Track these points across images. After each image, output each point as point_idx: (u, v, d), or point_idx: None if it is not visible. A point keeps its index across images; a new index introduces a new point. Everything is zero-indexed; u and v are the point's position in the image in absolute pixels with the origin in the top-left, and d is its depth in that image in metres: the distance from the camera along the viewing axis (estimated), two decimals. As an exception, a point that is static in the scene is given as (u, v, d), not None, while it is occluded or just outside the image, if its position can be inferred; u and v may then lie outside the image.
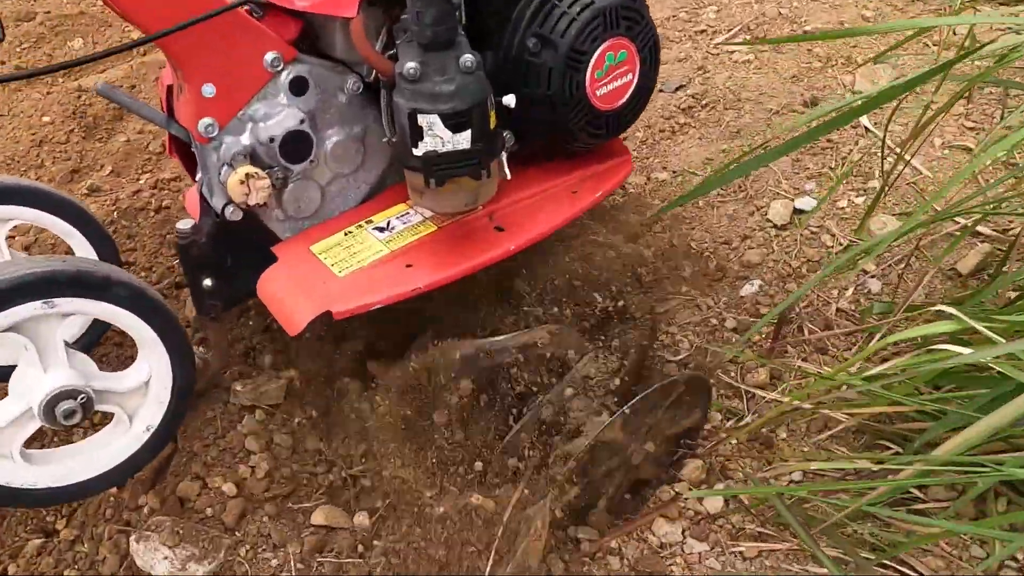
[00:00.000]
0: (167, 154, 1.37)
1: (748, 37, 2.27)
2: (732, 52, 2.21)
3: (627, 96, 1.31)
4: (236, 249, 1.27)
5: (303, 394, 1.39)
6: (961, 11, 2.23)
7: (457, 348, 1.25)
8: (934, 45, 2.13)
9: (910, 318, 1.40)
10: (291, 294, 1.20)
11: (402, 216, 1.31)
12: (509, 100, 1.18)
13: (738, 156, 1.81)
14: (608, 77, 1.27)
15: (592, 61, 1.24)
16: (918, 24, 1.29)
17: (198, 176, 1.27)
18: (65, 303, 1.04)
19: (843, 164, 1.83)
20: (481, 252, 1.24)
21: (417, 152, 1.11)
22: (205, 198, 1.26)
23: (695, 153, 1.92)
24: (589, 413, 1.26)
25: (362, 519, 1.26)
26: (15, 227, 1.36)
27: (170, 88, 1.23)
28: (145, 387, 1.16)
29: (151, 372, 1.15)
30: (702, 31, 2.30)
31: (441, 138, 1.09)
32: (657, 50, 1.32)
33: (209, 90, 1.14)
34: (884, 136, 1.59)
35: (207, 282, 1.26)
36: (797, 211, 1.74)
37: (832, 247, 1.65)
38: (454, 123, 1.08)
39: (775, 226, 1.71)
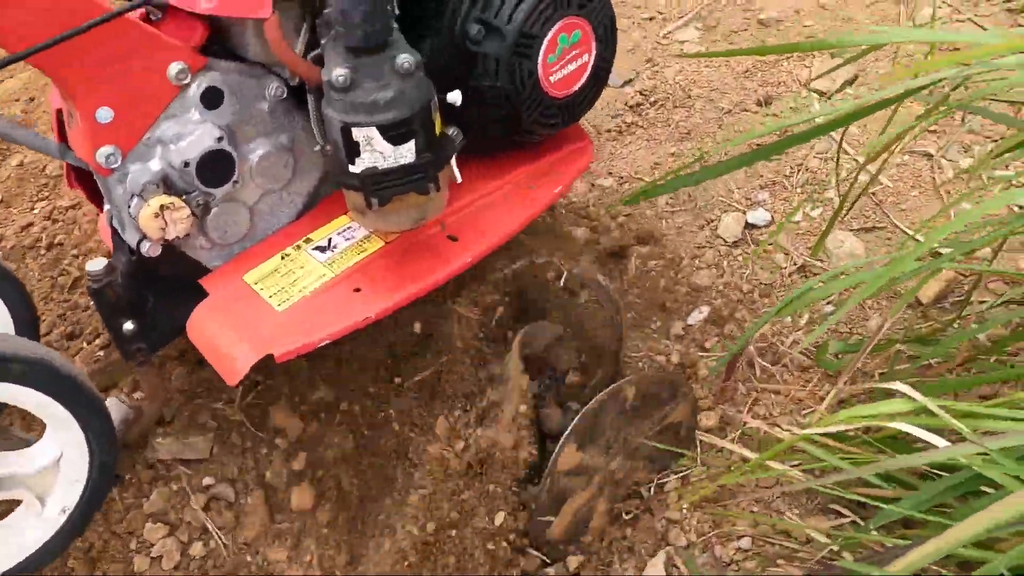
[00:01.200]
0: (67, 186, 1.20)
1: (700, 26, 2.12)
2: (683, 42, 2.08)
3: (583, 79, 1.19)
4: (158, 286, 1.12)
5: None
6: None
7: None
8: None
9: (866, 365, 1.33)
10: (226, 337, 1.06)
11: (344, 231, 1.17)
12: (454, 97, 1.04)
13: (689, 162, 1.70)
14: (562, 61, 1.14)
15: (544, 46, 1.10)
16: (873, 40, 1.17)
17: (106, 208, 1.11)
18: None
19: (799, 171, 1.71)
20: (435, 268, 1.12)
21: (355, 169, 0.97)
22: (117, 232, 1.10)
23: (642, 157, 1.79)
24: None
25: None
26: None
27: (60, 112, 1.06)
28: (56, 465, 1.01)
29: (61, 449, 1.01)
30: (652, 18, 2.16)
31: (381, 153, 0.95)
32: (614, 26, 1.19)
33: (105, 114, 0.98)
34: (838, 155, 1.49)
35: (128, 326, 1.11)
36: (749, 225, 1.63)
37: (786, 268, 1.54)
38: (395, 135, 0.94)
39: (726, 243, 1.60)
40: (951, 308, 1.40)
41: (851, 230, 1.59)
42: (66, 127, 1.05)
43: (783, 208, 1.65)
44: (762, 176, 1.71)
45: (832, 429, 0.91)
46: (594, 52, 1.18)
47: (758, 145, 1.46)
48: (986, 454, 0.79)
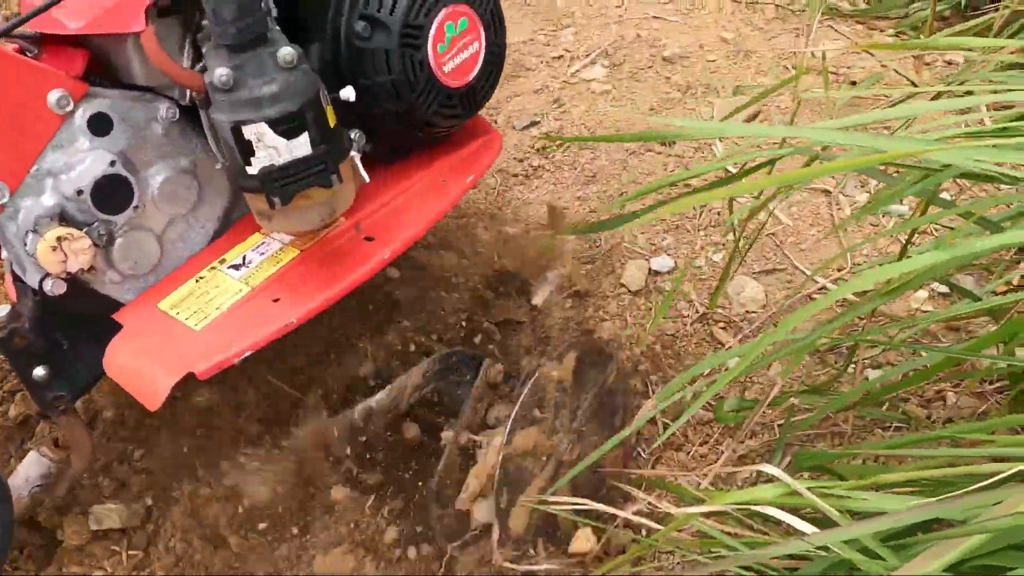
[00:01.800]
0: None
1: (607, 64, 2.16)
2: (590, 81, 2.10)
3: (477, 67, 1.19)
4: (70, 327, 1.08)
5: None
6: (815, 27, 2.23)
7: (334, 424, 1.12)
8: (793, 68, 2.08)
9: (766, 416, 1.32)
10: (144, 363, 1.02)
11: (258, 247, 1.15)
12: (348, 93, 1.04)
13: (592, 209, 1.71)
14: (453, 50, 1.15)
15: (431, 35, 1.11)
16: (754, 132, 1.18)
17: (3, 255, 1.07)
18: None
19: (701, 213, 1.70)
20: (353, 268, 1.10)
21: (251, 170, 0.95)
22: (18, 276, 1.06)
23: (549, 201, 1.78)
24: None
25: None
26: None
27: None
28: None
29: None
30: (559, 56, 2.19)
31: (275, 149, 0.94)
32: (499, 11, 1.21)
33: (-15, 149, 0.95)
34: (731, 204, 1.47)
35: (40, 373, 1.07)
36: (653, 272, 1.60)
37: (688, 316, 1.52)
38: (286, 128, 0.93)
39: (630, 291, 1.56)
40: (847, 352, 1.36)
41: (752, 274, 1.57)
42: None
43: (687, 252, 1.63)
44: (665, 220, 1.69)
45: (712, 509, 0.88)
46: (483, 39, 1.19)
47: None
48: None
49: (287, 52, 0.93)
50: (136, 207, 1.07)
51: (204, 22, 1.03)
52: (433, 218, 1.18)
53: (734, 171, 1.18)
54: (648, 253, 1.63)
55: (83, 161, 1.02)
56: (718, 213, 1.69)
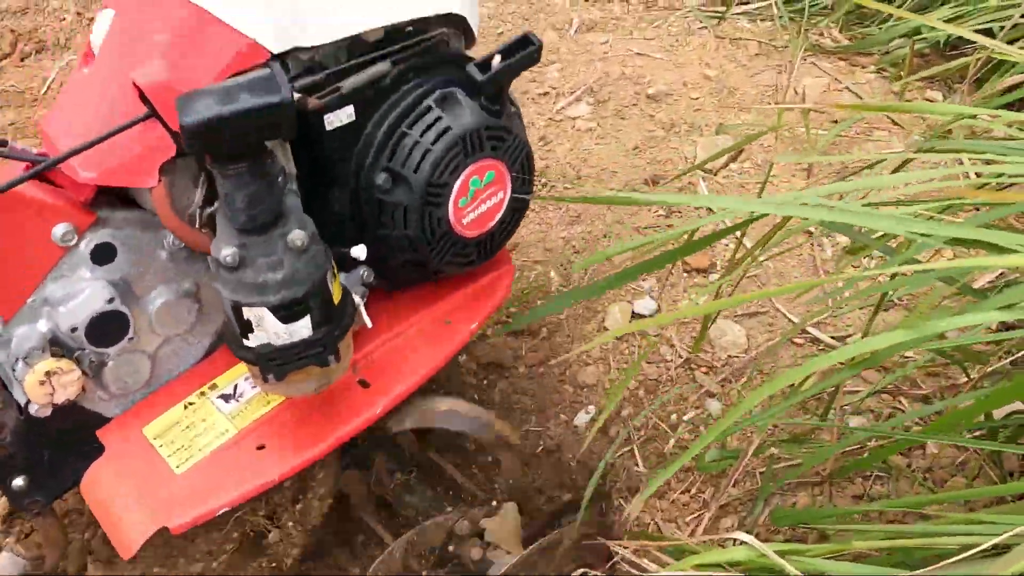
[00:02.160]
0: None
1: (592, 101, 2.14)
2: (575, 119, 2.09)
3: (499, 216, 1.16)
4: (51, 441, 1.07)
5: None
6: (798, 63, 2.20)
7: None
8: (776, 104, 2.08)
9: (748, 465, 1.33)
10: (121, 503, 1.02)
11: (250, 378, 1.13)
12: (358, 252, 1.01)
13: (577, 249, 1.70)
14: (475, 202, 1.11)
15: (454, 192, 1.07)
16: (733, 206, 1.16)
17: (-7, 360, 1.06)
18: None
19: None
20: (345, 419, 1.08)
21: (249, 344, 0.93)
22: (4, 385, 1.05)
23: (533, 242, 1.77)
24: None
25: None
26: None
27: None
28: None
29: None
30: (545, 93, 2.17)
31: (276, 332, 0.91)
32: (531, 161, 1.16)
33: (-17, 283, 0.93)
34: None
35: (18, 483, 1.06)
36: (636, 315, 1.60)
37: (672, 360, 1.52)
38: (286, 314, 0.90)
39: (613, 336, 1.58)
40: (827, 397, 1.38)
41: (734, 317, 1.57)
42: (-57, 290, 1.00)
43: (669, 295, 1.63)
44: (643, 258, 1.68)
45: (688, 572, 0.90)
46: (509, 188, 1.15)
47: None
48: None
49: (298, 236, 0.89)
50: (131, 338, 1.05)
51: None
52: (436, 365, 1.15)
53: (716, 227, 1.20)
54: (631, 296, 1.63)
55: (82, 293, 1.00)
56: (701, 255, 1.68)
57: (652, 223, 1.78)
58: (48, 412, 1.03)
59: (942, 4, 2.17)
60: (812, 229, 1.68)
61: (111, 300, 1.01)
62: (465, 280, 1.24)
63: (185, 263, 1.08)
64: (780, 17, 2.42)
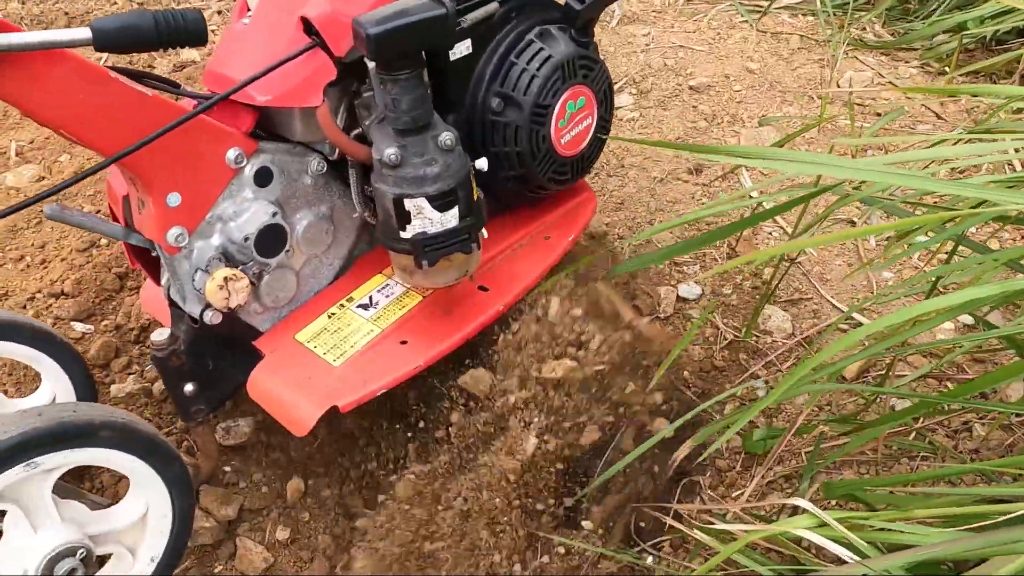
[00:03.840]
0: (130, 265, 1.30)
1: (635, 91, 2.21)
2: (618, 109, 2.12)
3: (588, 139, 1.33)
4: (216, 350, 1.22)
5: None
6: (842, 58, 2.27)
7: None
8: (819, 98, 2.14)
9: (793, 444, 1.35)
10: (289, 392, 1.16)
11: (382, 289, 1.28)
12: (482, 164, 1.17)
13: (620, 235, 1.76)
14: (570, 125, 1.28)
15: (555, 112, 1.24)
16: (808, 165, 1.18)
17: (163, 282, 1.21)
18: (48, 459, 0.97)
19: (725, 243, 1.74)
20: (472, 317, 1.24)
21: (405, 235, 1.09)
22: (176, 304, 1.20)
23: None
24: None
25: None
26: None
27: (126, 198, 1.16)
28: (143, 520, 1.10)
29: (148, 504, 1.09)
30: None
31: (430, 219, 1.07)
32: (611, 90, 1.34)
33: (175, 199, 1.08)
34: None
35: (189, 388, 1.20)
36: (681, 299, 1.64)
37: (717, 344, 1.56)
38: (441, 203, 1.06)
39: (658, 317, 1.61)
40: (873, 381, 1.41)
41: (778, 303, 1.62)
42: (133, 212, 1.15)
43: (712, 280, 1.66)
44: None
45: (750, 538, 0.92)
46: (596, 114, 1.32)
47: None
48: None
49: (447, 137, 1.06)
50: (287, 250, 1.20)
51: (365, 92, 1.16)
52: (541, 272, 1.31)
53: (766, 206, 1.23)
54: (676, 280, 1.69)
55: (248, 210, 1.15)
56: (744, 241, 1.73)
57: (695, 211, 1.79)
58: (219, 319, 1.18)
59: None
60: (855, 219, 1.75)
61: (275, 214, 1.17)
62: (557, 203, 1.40)
63: (324, 188, 1.24)
64: (823, 11, 2.45)
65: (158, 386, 1.49)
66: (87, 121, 0.97)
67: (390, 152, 1.04)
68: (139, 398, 1.49)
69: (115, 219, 1.25)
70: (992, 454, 1.26)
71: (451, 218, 1.08)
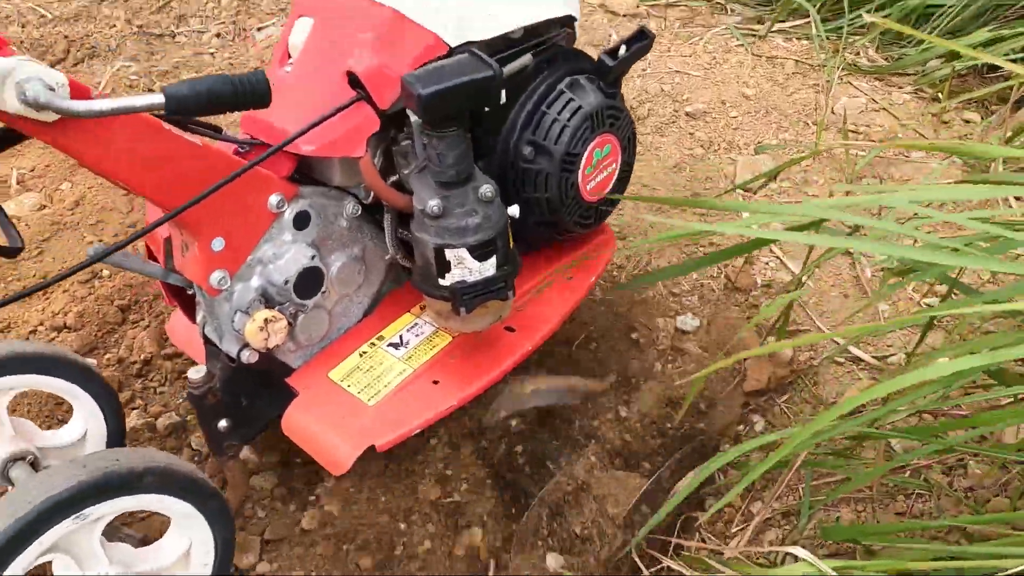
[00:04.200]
0: (165, 303, 1.32)
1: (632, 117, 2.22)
2: None
3: (611, 184, 1.37)
4: (250, 388, 1.24)
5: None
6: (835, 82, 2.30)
7: (530, 383, 1.28)
8: (814, 124, 2.17)
9: (789, 479, 1.35)
10: (325, 431, 1.19)
11: (412, 328, 1.32)
12: (514, 211, 1.21)
13: (619, 264, 1.77)
14: (596, 171, 1.32)
15: (583, 161, 1.28)
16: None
17: (198, 319, 1.23)
18: (96, 510, 0.99)
19: (721, 273, 1.76)
20: (502, 358, 1.27)
21: (444, 283, 1.12)
22: (211, 342, 1.22)
23: None
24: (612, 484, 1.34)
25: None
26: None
27: (167, 240, 1.19)
28: (186, 555, 1.12)
29: (191, 540, 1.11)
30: None
31: (469, 268, 1.11)
32: (634, 137, 1.38)
33: (219, 244, 1.11)
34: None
35: (223, 424, 1.23)
36: (680, 331, 1.65)
37: (715, 376, 1.55)
38: (481, 253, 1.10)
39: (657, 350, 1.62)
40: (867, 413, 1.39)
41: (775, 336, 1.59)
42: (175, 254, 1.17)
43: (710, 312, 1.68)
44: (692, 276, 1.75)
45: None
46: (620, 160, 1.36)
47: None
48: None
49: (488, 189, 1.10)
50: (323, 291, 1.23)
51: (402, 140, 1.20)
52: (566, 313, 1.35)
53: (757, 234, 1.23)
54: (674, 311, 1.69)
55: (287, 253, 1.18)
56: (741, 270, 1.75)
57: (693, 240, 1.85)
58: (256, 358, 1.20)
59: (981, 26, 2.20)
60: (851, 250, 1.74)
61: (313, 257, 1.20)
62: (579, 244, 1.45)
63: (358, 230, 1.27)
64: (817, 36, 2.46)
65: (162, 421, 1.51)
66: (144, 173, 1.00)
67: (433, 204, 1.08)
68: (143, 433, 1.49)
69: (151, 258, 1.28)
70: (987, 492, 1.29)
71: (489, 267, 1.12)
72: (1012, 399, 1.21)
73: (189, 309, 1.27)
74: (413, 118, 1.11)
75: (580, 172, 1.29)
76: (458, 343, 1.29)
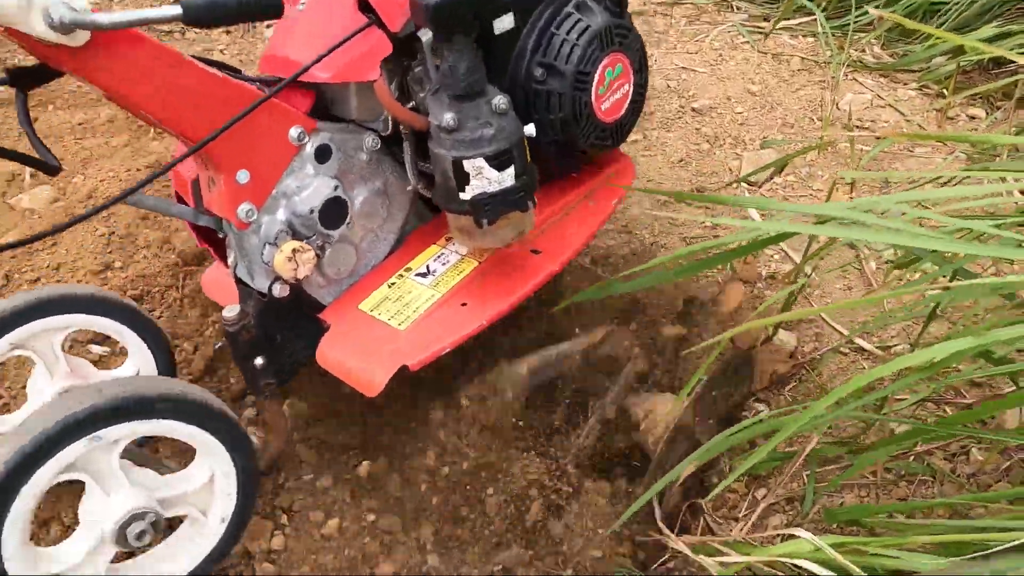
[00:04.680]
0: (198, 246, 1.36)
1: None
2: None
3: (626, 105, 1.38)
4: (284, 324, 1.27)
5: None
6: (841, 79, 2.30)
7: (524, 363, 1.29)
8: (819, 120, 2.17)
9: (796, 467, 1.34)
10: (358, 357, 1.21)
11: (438, 257, 1.34)
12: (530, 130, 1.22)
13: (625, 262, 1.76)
14: (609, 91, 1.33)
15: (595, 79, 1.30)
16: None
17: (230, 261, 1.26)
18: (110, 432, 1.02)
19: (726, 266, 1.72)
20: (528, 279, 1.29)
21: (465, 196, 1.14)
22: (243, 281, 1.25)
23: (584, 251, 1.70)
24: (652, 404, 1.34)
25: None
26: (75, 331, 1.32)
27: (194, 181, 1.22)
28: (210, 483, 1.15)
29: (213, 469, 1.14)
30: None
31: (488, 179, 1.12)
32: (645, 56, 1.39)
33: (244, 176, 1.14)
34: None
35: (259, 361, 1.26)
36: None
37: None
38: (499, 162, 1.12)
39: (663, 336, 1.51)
40: (874, 403, 1.38)
41: (783, 326, 1.62)
42: (203, 193, 1.21)
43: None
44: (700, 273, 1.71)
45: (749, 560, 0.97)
46: (633, 81, 1.37)
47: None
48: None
49: (500, 101, 1.11)
50: (348, 223, 1.26)
51: (415, 67, 1.22)
52: (589, 234, 1.36)
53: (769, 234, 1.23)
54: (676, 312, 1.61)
55: (311, 185, 1.21)
56: (746, 263, 1.72)
57: (699, 235, 1.85)
58: (287, 291, 1.23)
59: (987, 22, 2.21)
60: (856, 244, 1.73)
61: (336, 187, 1.22)
62: (597, 170, 1.46)
63: (378, 164, 1.30)
64: (823, 33, 2.48)
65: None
66: (166, 102, 1.03)
67: (448, 117, 1.10)
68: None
69: (181, 202, 1.31)
70: (989, 478, 1.30)
71: (508, 177, 1.13)
72: (1014, 387, 1.19)
73: (221, 252, 1.31)
74: (424, 38, 1.13)
75: (593, 91, 1.30)
76: (484, 267, 1.31)
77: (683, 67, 2.41)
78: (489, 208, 1.14)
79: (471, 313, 1.24)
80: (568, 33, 1.27)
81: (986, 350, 1.04)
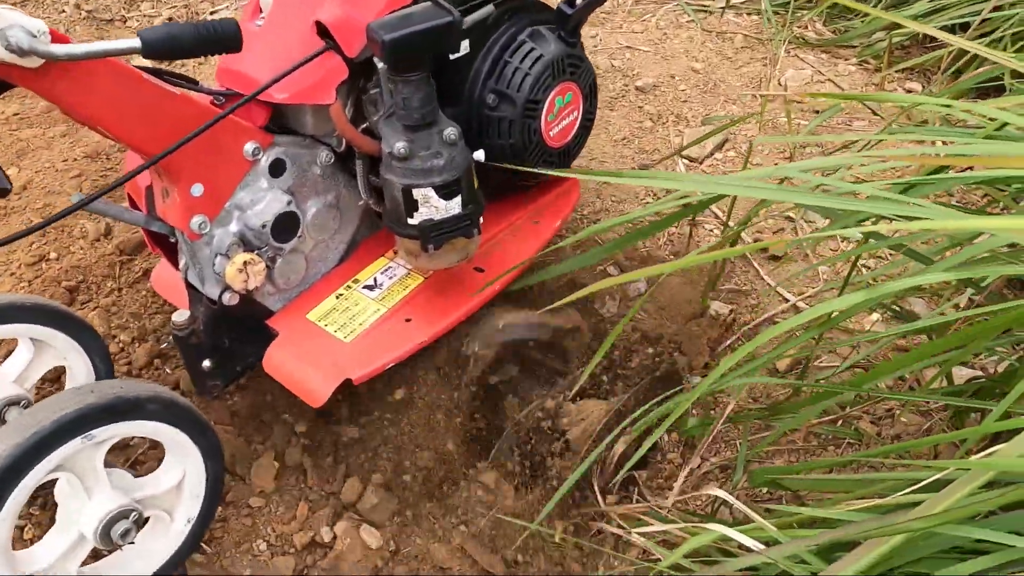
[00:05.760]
0: (149, 250, 1.38)
1: None
2: None
3: (574, 131, 1.44)
4: (232, 329, 1.31)
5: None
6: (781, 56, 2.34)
7: (500, 317, 1.38)
8: (761, 96, 2.20)
9: (727, 433, 1.42)
10: (304, 367, 1.26)
11: (386, 271, 1.38)
12: (479, 155, 1.27)
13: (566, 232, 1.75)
14: (558, 118, 1.39)
15: (545, 107, 1.35)
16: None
17: (181, 265, 1.29)
18: (102, 432, 1.05)
19: (669, 244, 1.77)
20: (470, 296, 1.34)
21: (413, 221, 1.19)
22: (194, 286, 1.28)
23: None
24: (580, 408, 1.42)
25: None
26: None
27: (148, 188, 1.24)
28: (180, 486, 1.19)
29: (184, 471, 1.18)
30: None
31: (436, 207, 1.17)
32: (595, 87, 1.45)
33: (198, 189, 1.17)
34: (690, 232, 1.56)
35: (206, 364, 1.29)
36: (627, 297, 1.64)
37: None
38: (447, 192, 1.17)
39: (603, 319, 1.61)
40: (805, 373, 1.44)
41: (720, 297, 1.67)
42: (156, 201, 1.23)
43: (654, 278, 1.65)
44: (638, 246, 1.76)
45: (666, 528, 1.04)
46: (582, 108, 1.43)
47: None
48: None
49: (452, 132, 1.16)
50: (299, 236, 1.30)
51: (371, 88, 1.26)
52: (532, 254, 1.42)
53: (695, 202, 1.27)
54: (621, 289, 1.67)
55: (264, 199, 1.24)
56: (692, 241, 1.78)
57: (640, 214, 1.72)
58: (236, 300, 1.27)
59: None
60: (792, 215, 1.81)
61: (289, 202, 1.26)
62: (544, 190, 1.51)
63: (331, 178, 1.33)
64: (766, 11, 2.52)
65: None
66: (123, 120, 1.05)
67: (400, 146, 1.14)
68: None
69: (133, 207, 1.33)
70: (910, 438, 1.33)
71: (455, 205, 1.18)
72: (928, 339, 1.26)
73: (172, 256, 1.33)
74: (380, 66, 1.16)
75: (542, 119, 1.36)
76: (430, 283, 1.36)
77: (627, 46, 2.43)
78: (435, 235, 1.19)
79: (415, 329, 1.30)
80: (521, 62, 1.32)
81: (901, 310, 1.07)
